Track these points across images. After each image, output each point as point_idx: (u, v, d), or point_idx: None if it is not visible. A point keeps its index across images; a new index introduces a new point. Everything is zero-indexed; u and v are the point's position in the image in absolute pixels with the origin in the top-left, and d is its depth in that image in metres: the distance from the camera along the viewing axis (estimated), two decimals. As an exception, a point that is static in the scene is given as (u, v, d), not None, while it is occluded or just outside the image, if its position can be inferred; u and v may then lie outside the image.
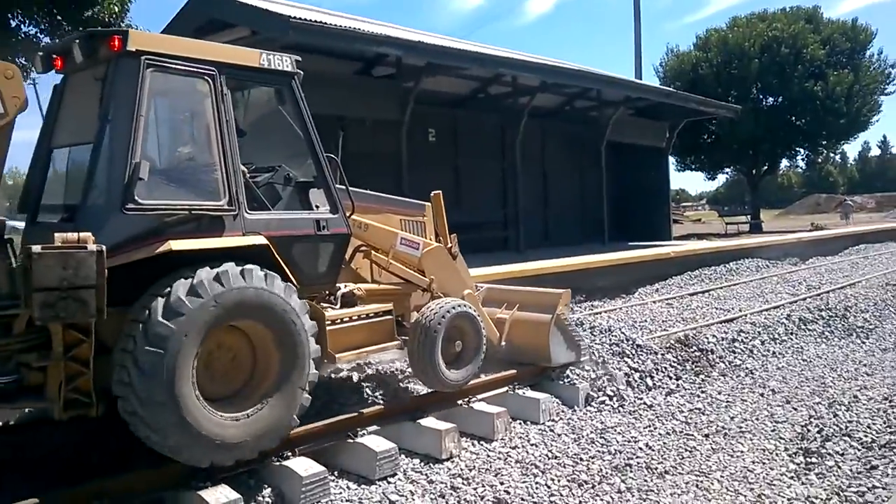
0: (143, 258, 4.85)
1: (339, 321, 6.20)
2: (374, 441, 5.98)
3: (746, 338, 10.80)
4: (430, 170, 17.51)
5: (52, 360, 4.66)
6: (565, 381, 8.00)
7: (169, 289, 4.76)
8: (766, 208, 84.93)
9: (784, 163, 48.10)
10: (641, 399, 8.09)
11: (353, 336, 6.33)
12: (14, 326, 4.73)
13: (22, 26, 13.69)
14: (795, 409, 7.83)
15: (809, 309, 12.84)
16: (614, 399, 7.99)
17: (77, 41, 5.17)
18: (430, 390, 7.01)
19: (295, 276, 5.61)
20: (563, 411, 7.57)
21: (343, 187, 6.31)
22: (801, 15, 37.48)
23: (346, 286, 6.54)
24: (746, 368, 9.69)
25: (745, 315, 12.34)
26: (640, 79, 30.08)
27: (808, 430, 6.88)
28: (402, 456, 6.13)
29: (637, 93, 22.37)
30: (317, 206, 6.17)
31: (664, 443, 6.78)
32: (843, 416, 6.96)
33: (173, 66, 5.17)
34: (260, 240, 5.41)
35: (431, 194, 7.83)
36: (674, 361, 9.17)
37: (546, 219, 23.52)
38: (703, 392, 8.53)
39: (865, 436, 6.41)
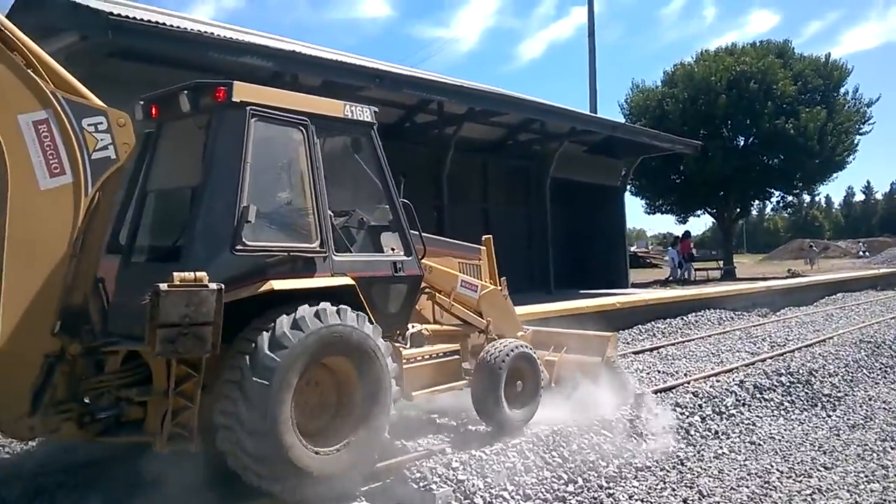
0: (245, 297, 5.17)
1: (413, 360, 6.67)
2: None
3: (683, 414, 8.79)
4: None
5: (154, 395, 5.01)
6: (420, 485, 5.97)
7: (273, 323, 5.11)
8: (753, 252, 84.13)
9: (769, 206, 46.63)
10: (521, 509, 6.04)
11: (426, 375, 6.82)
12: (108, 363, 5.14)
13: None
14: (722, 530, 5.79)
15: (767, 373, 10.88)
16: (485, 511, 5.94)
17: (185, 91, 5.49)
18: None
19: (374, 316, 5.91)
20: (407, 533, 5.61)
21: (416, 232, 6.65)
22: (771, 49, 36.02)
23: (414, 326, 6.89)
24: (676, 458, 7.62)
25: (689, 382, 10.31)
26: (596, 113, 28.36)
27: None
28: None
29: (582, 124, 20.53)
30: (392, 249, 6.62)
31: None
32: (778, 552, 4.89)
33: (272, 115, 5.64)
34: (347, 280, 5.86)
35: (483, 238, 8.40)
36: (579, 452, 7.16)
37: (488, 264, 21.40)
38: (610, 496, 6.48)
39: None
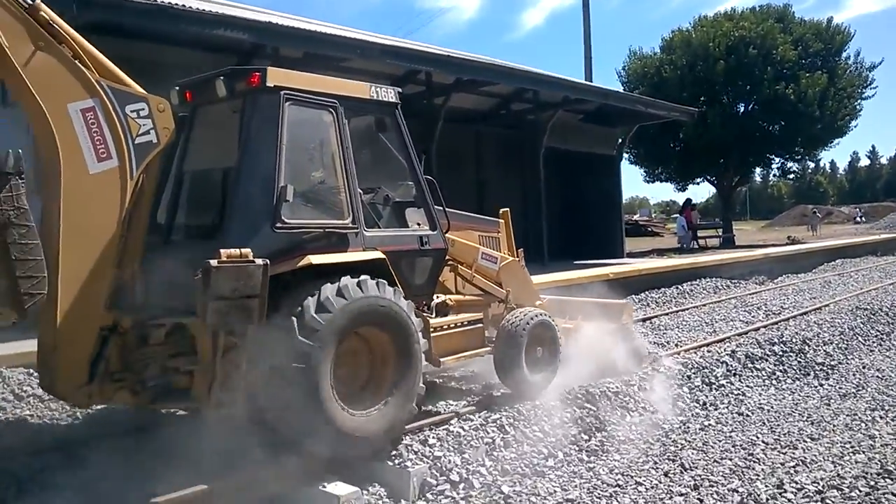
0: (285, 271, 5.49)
1: (439, 329, 7.03)
2: None
3: (670, 386, 8.61)
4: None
5: (200, 364, 5.31)
6: (394, 461, 5.89)
7: (317, 291, 5.47)
8: (757, 219, 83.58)
9: (773, 172, 45.93)
10: (498, 485, 5.92)
11: (453, 342, 7.16)
12: (152, 336, 5.42)
13: None
14: (701, 502, 5.64)
15: (760, 342, 10.70)
16: (461, 486, 5.85)
17: (221, 77, 5.81)
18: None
19: (402, 288, 6.25)
20: (379, 512, 5.47)
21: (440, 207, 6.99)
22: (771, 14, 35.34)
23: (438, 297, 7.34)
24: (662, 430, 7.49)
25: (679, 352, 10.16)
26: (591, 81, 27.91)
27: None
28: None
29: (575, 93, 20.16)
30: (418, 224, 6.93)
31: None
32: (753, 528, 4.75)
33: (304, 99, 5.91)
34: (378, 255, 6.17)
35: (500, 211, 8.61)
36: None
37: (484, 235, 21.20)
38: (590, 470, 6.35)
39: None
